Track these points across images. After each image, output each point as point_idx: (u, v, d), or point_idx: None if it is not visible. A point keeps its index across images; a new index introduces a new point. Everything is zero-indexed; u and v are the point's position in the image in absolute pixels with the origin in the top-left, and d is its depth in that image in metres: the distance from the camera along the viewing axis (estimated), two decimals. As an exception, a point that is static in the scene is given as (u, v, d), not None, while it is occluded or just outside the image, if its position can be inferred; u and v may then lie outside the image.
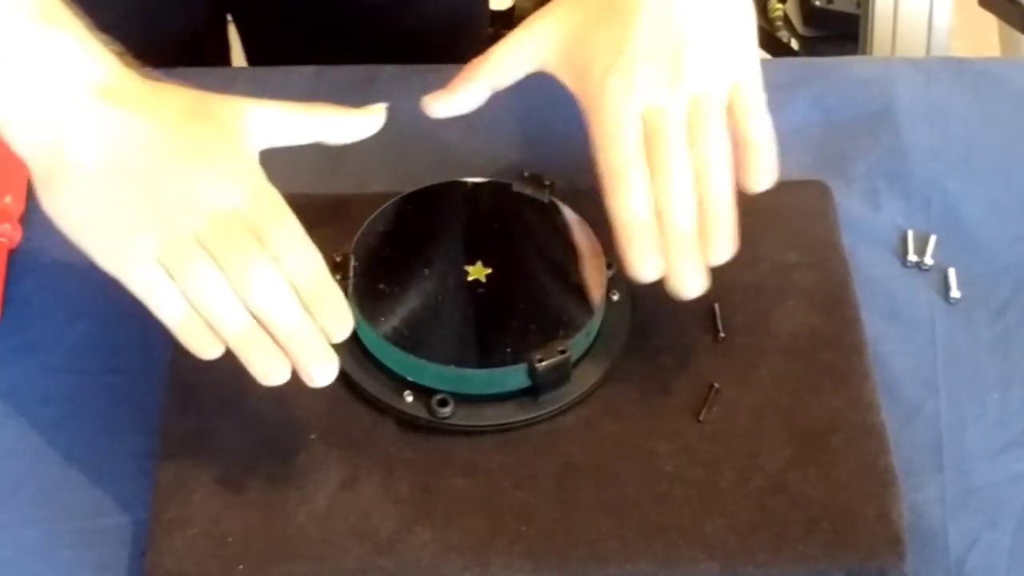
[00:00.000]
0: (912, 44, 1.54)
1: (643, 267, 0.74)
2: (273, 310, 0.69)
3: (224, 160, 0.70)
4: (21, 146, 0.69)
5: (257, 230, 0.69)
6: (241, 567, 0.71)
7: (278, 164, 0.73)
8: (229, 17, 1.18)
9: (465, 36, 0.78)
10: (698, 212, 0.75)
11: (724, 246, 0.75)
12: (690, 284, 0.74)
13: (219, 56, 1.19)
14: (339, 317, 0.71)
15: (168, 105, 0.70)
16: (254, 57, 1.19)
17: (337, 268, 0.79)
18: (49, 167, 0.69)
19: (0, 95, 0.69)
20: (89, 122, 0.69)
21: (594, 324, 0.79)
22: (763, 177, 0.77)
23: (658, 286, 0.75)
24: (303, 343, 0.70)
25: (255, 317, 0.69)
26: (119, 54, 0.71)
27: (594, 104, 0.76)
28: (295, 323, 0.69)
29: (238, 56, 1.22)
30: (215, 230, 0.69)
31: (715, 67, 0.76)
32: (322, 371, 0.70)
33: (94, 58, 0.70)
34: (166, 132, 0.70)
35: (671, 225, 0.74)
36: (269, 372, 0.70)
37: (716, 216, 0.75)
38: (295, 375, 0.70)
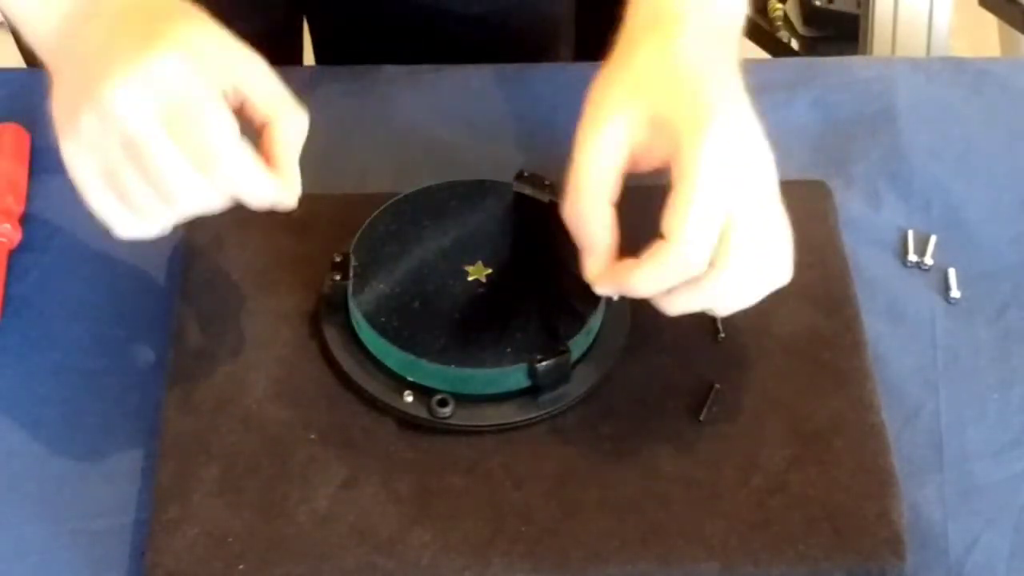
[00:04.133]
0: (912, 44, 1.54)
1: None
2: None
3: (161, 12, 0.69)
4: (36, 46, 0.72)
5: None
6: (241, 567, 0.71)
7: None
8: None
9: (551, 38, 0.76)
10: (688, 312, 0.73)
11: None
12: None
13: (291, 56, 1.17)
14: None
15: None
16: (324, 59, 1.17)
17: (337, 268, 0.79)
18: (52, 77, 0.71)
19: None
20: (75, 36, 0.70)
21: (594, 324, 0.79)
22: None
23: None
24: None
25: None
26: None
27: (686, 167, 0.70)
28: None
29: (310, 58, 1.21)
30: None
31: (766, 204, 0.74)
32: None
33: None
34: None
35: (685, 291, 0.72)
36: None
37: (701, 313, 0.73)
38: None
